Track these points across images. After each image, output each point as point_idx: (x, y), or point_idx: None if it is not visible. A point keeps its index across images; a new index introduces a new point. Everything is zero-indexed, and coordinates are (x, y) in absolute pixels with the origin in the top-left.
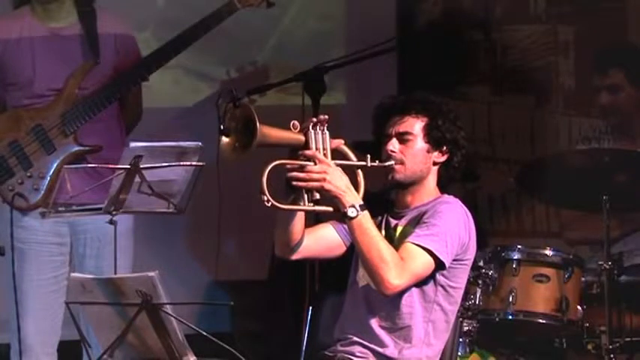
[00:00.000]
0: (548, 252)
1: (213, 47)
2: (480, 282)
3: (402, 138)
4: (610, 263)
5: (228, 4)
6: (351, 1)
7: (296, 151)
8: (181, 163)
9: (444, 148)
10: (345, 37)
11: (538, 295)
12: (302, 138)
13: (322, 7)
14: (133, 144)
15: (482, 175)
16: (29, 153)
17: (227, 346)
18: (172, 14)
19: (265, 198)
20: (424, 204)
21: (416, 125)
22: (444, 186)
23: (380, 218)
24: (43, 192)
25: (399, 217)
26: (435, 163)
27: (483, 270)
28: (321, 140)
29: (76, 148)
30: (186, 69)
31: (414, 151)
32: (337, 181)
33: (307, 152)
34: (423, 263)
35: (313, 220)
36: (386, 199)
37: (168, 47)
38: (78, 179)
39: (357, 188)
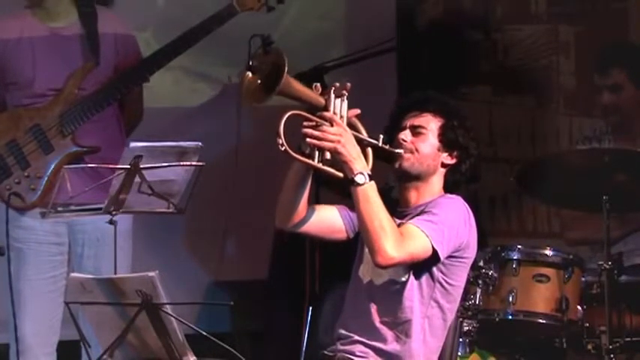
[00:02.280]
0: (548, 252)
1: (213, 48)
2: (479, 282)
3: (416, 131)
4: (610, 263)
5: (228, 7)
6: (351, 1)
7: (313, 112)
8: (181, 163)
9: (455, 152)
10: (345, 37)
11: (538, 295)
12: (322, 100)
13: (322, 7)
14: (133, 144)
15: (484, 176)
16: (27, 153)
17: (227, 346)
18: (173, 14)
19: (280, 142)
20: (427, 202)
21: (431, 123)
22: (449, 190)
23: None
24: (40, 192)
25: (402, 216)
26: (443, 165)
27: (483, 270)
28: (339, 107)
29: (74, 149)
30: (186, 69)
31: (424, 144)
32: (350, 146)
33: (326, 114)
34: (420, 244)
35: (314, 199)
36: (390, 198)
37: (168, 49)
38: (77, 179)
39: (366, 161)
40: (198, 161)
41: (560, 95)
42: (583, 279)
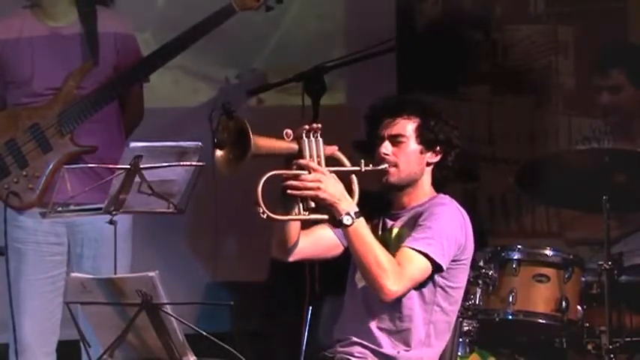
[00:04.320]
0: (548, 252)
1: (213, 48)
2: (480, 282)
3: (395, 140)
4: (610, 263)
5: (227, 7)
6: (351, 1)
7: (291, 159)
8: (181, 163)
9: (437, 148)
10: (345, 37)
11: (538, 295)
12: (295, 146)
13: (322, 7)
14: (132, 144)
15: (483, 175)
16: (25, 152)
17: (227, 346)
18: (172, 15)
19: (261, 210)
20: (420, 204)
21: (408, 127)
22: (439, 185)
23: (377, 219)
24: (38, 191)
25: (395, 218)
26: (428, 164)
27: (483, 270)
28: (314, 148)
29: (72, 149)
30: (185, 69)
31: (407, 153)
32: (332, 189)
33: (301, 161)
34: (420, 268)
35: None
36: (384, 200)
37: (167, 49)
38: (77, 179)
39: (351, 193)
40: (198, 161)
41: (559, 95)
42: (583, 279)
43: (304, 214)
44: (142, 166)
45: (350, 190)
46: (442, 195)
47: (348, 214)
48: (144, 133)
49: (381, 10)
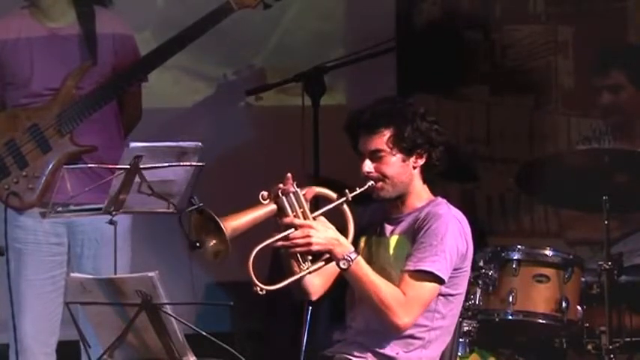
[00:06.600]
0: (548, 252)
1: (212, 47)
2: (480, 282)
3: (375, 156)
4: (610, 263)
5: (225, 5)
6: (351, 1)
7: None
8: (181, 163)
9: (419, 151)
10: (345, 37)
11: (538, 295)
12: (274, 207)
13: (322, 7)
14: (132, 144)
15: (481, 176)
16: (25, 152)
17: (227, 346)
18: (172, 14)
19: (258, 288)
20: (417, 208)
21: (384, 140)
22: (432, 183)
23: (376, 226)
24: (38, 191)
25: (394, 223)
26: (415, 167)
27: (483, 270)
28: (294, 201)
29: (72, 148)
30: (185, 69)
31: (390, 166)
32: (322, 237)
33: (285, 221)
34: (429, 291)
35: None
36: (382, 207)
37: (165, 48)
38: (77, 179)
39: (345, 231)
40: (198, 161)
41: (559, 95)
42: (583, 279)
43: (303, 269)
44: (141, 166)
45: (345, 223)
46: (439, 200)
47: (344, 258)
48: (144, 133)
49: (381, 10)
